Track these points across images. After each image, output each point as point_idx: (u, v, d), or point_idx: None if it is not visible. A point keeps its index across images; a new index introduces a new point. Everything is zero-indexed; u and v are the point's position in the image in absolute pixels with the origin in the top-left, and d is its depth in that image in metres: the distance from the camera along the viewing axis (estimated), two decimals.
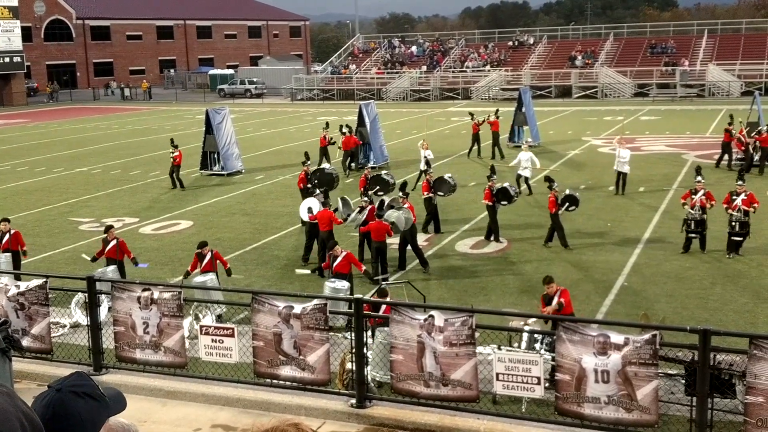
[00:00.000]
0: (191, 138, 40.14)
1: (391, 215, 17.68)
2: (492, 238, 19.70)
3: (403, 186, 19.51)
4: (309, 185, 22.01)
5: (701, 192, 18.18)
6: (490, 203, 19.69)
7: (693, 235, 18.09)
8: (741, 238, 17.89)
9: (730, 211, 17.87)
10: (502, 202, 19.93)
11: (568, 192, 19.68)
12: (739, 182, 18.45)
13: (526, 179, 24.99)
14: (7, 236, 16.41)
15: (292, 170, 29.25)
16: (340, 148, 30.80)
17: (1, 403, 2.15)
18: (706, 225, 18.11)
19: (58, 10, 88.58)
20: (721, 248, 18.16)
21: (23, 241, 16.87)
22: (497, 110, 35.30)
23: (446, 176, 21.90)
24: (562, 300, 12.21)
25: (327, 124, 32.01)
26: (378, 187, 21.82)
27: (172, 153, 27.91)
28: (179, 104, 69.21)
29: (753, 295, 15.36)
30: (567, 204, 19.16)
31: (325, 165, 23.58)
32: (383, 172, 23.97)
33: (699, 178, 18.92)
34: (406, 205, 17.96)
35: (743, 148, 28.14)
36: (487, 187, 19.99)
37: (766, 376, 7.98)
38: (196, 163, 31.88)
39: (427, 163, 24.51)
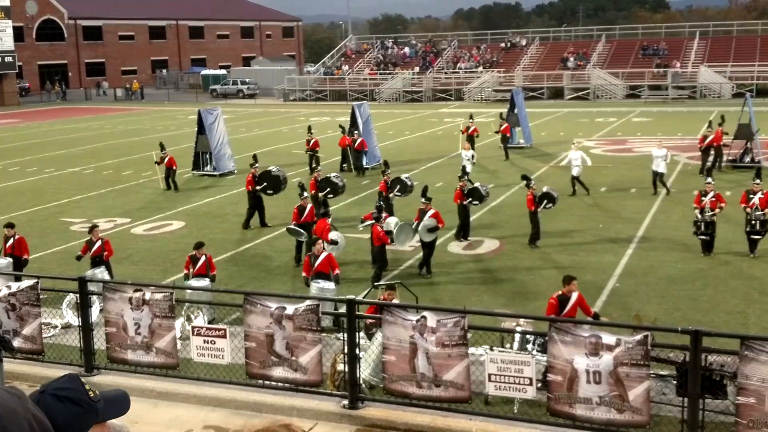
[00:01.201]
0: (183, 138, 40.06)
1: (389, 224, 17.51)
2: (462, 237, 19.78)
3: (424, 191, 18.62)
4: (257, 187, 22.12)
5: (711, 194, 18.19)
6: (462, 203, 19.72)
7: (703, 237, 18.06)
8: (760, 237, 17.83)
9: (748, 209, 17.86)
10: (474, 202, 19.93)
11: (545, 190, 19.81)
12: (757, 180, 18.45)
13: (576, 177, 25.15)
14: (11, 241, 16.27)
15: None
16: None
17: (12, 405, 2.15)
18: (716, 227, 18.10)
19: (50, 10, 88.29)
20: (717, 251, 18.19)
21: (27, 249, 16.63)
22: (501, 113, 35.32)
23: (403, 176, 21.94)
24: (596, 311, 12.25)
25: (309, 128, 31.64)
26: (328, 190, 21.71)
27: (160, 157, 27.76)
28: (171, 104, 69.06)
29: (744, 296, 15.41)
30: (545, 201, 19.21)
31: (272, 167, 23.41)
32: (332, 174, 23.92)
33: (709, 179, 19.00)
34: (431, 211, 17.60)
35: (701, 145, 28.16)
36: (458, 187, 20.07)
37: (757, 377, 8.00)
38: (188, 163, 31.80)
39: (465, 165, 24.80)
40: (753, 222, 17.74)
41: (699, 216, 18.02)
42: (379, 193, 21.36)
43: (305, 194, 19.36)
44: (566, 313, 11.98)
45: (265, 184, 22.16)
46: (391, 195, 21.18)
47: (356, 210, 22.91)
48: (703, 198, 18.24)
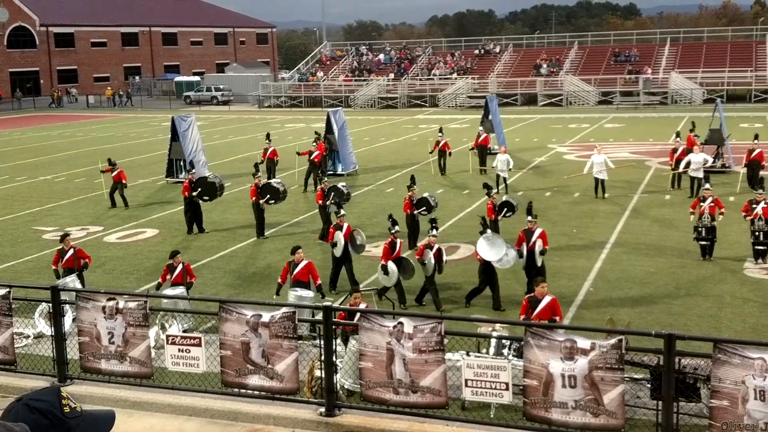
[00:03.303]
0: (157, 145, 39.81)
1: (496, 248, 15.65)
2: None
3: (529, 209, 16.53)
4: (194, 193, 22.17)
5: (709, 199, 18.29)
6: (412, 213, 19.66)
7: (704, 242, 18.16)
8: (765, 247, 17.81)
9: (749, 218, 17.90)
10: (423, 211, 19.80)
11: (504, 198, 19.98)
12: (760, 190, 18.50)
13: (602, 181, 25.40)
14: None
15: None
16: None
17: None
18: (716, 232, 18.21)
19: (21, 16, 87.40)
20: (690, 256, 18.36)
21: None
22: (480, 128, 34.73)
23: (340, 185, 21.86)
24: (556, 318, 12.34)
25: (268, 135, 30.84)
26: (269, 196, 21.54)
27: (109, 171, 26.30)
28: (144, 111, 68.60)
29: (716, 300, 15.58)
30: (505, 210, 19.31)
31: (208, 173, 23.32)
32: (274, 180, 23.67)
33: (707, 186, 19.16)
34: (538, 230, 15.91)
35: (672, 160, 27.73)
36: (407, 197, 19.95)
37: (731, 380, 8.08)
38: (161, 170, 31.58)
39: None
40: (757, 233, 17.71)
41: (699, 221, 18.08)
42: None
43: (342, 212, 17.37)
44: (536, 315, 12.18)
45: (200, 190, 22.16)
46: (328, 203, 20.95)
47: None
48: (701, 203, 18.34)
